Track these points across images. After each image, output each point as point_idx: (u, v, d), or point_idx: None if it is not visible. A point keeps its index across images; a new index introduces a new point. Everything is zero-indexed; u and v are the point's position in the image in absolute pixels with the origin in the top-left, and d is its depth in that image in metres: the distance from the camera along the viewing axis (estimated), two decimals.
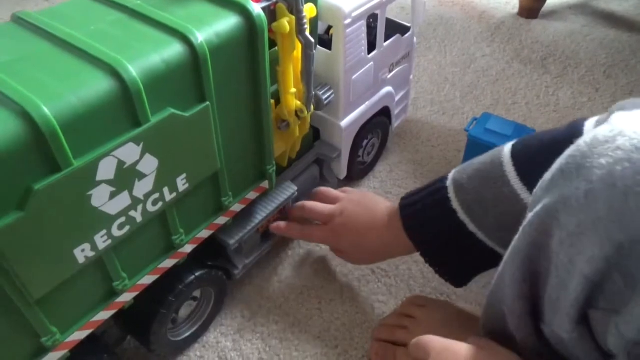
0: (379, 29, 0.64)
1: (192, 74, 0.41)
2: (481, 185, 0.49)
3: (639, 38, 1.11)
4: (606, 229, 0.28)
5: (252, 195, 0.56)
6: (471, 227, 0.50)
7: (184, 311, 0.56)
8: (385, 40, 0.67)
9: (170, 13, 0.42)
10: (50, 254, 0.37)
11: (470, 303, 0.62)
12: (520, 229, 0.36)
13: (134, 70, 0.36)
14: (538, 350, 0.38)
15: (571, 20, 1.17)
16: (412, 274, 0.66)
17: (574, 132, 0.44)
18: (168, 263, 0.49)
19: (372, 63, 0.66)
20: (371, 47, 0.65)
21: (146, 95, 0.37)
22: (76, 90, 0.34)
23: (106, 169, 0.37)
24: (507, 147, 0.49)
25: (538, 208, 0.33)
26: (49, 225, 0.36)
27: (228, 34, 0.42)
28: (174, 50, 0.39)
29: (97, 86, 0.35)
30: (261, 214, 0.58)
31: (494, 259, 0.49)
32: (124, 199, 0.40)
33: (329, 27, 0.68)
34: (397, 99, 0.75)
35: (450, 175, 0.52)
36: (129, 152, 0.38)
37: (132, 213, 0.42)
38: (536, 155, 0.46)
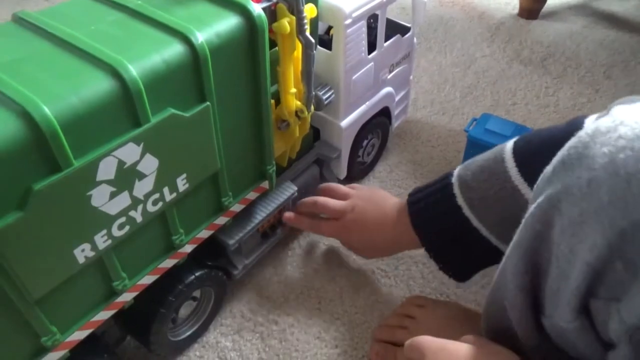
0: (379, 30, 0.64)
1: (192, 74, 0.41)
2: (484, 181, 0.50)
3: (639, 39, 1.11)
4: (608, 215, 0.29)
5: (252, 195, 0.56)
6: (475, 222, 0.51)
7: (183, 311, 0.56)
8: (386, 41, 0.67)
9: (170, 13, 0.42)
10: (50, 254, 0.37)
11: (469, 303, 0.62)
12: (523, 221, 0.36)
13: (134, 70, 0.36)
14: (538, 346, 0.39)
15: (571, 21, 1.17)
16: (412, 274, 0.66)
17: (574, 128, 0.45)
18: (168, 263, 0.49)
19: (372, 63, 0.66)
20: (371, 47, 0.65)
21: (146, 95, 0.37)
22: (76, 90, 0.34)
23: (106, 169, 0.37)
24: (509, 144, 0.50)
25: (540, 199, 0.34)
26: (48, 225, 0.36)
27: (228, 34, 0.42)
28: (174, 50, 0.39)
29: (98, 86, 0.35)
30: (261, 214, 0.58)
31: (497, 255, 0.50)
32: (124, 199, 0.40)
33: (329, 27, 0.68)
34: (397, 99, 0.75)
35: (456, 172, 0.53)
36: (129, 152, 0.38)
37: (132, 213, 0.42)
38: (536, 151, 0.47)
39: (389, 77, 0.71)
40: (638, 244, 0.28)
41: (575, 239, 0.31)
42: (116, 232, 0.41)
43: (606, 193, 0.29)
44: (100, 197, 0.38)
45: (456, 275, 0.56)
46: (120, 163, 0.38)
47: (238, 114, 0.48)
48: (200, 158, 0.46)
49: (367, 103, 0.69)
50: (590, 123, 0.44)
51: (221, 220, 0.53)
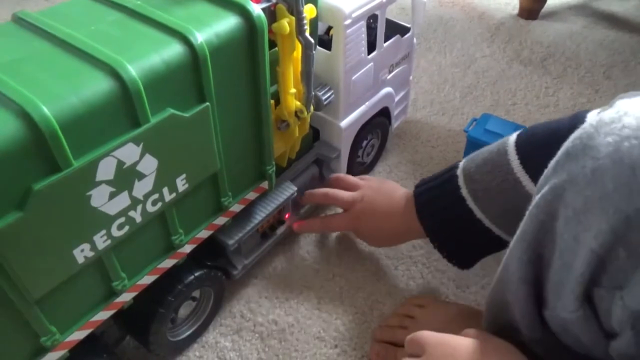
0: (379, 30, 0.64)
1: (192, 74, 0.41)
2: (487, 173, 0.51)
3: (639, 39, 1.11)
4: (613, 203, 0.29)
5: (251, 195, 0.56)
6: (479, 214, 0.52)
7: (183, 311, 0.56)
8: (385, 41, 0.67)
9: (170, 13, 0.42)
10: (50, 254, 0.37)
11: (469, 303, 0.62)
12: (527, 213, 0.36)
13: (133, 70, 0.36)
14: (540, 339, 0.39)
15: (571, 21, 1.17)
16: (412, 275, 0.66)
17: (577, 122, 0.45)
18: (167, 263, 0.49)
19: (372, 64, 0.66)
20: (371, 47, 0.65)
21: (146, 95, 0.37)
22: (76, 90, 0.34)
23: (106, 169, 0.37)
24: (513, 137, 0.50)
25: (544, 190, 0.34)
26: (48, 226, 0.36)
27: (228, 34, 0.42)
28: (173, 50, 0.39)
29: (97, 86, 0.35)
30: (260, 215, 0.58)
31: (499, 245, 0.52)
32: (123, 199, 0.40)
33: (329, 28, 0.68)
34: (396, 99, 0.75)
35: (461, 164, 0.54)
36: (129, 153, 0.38)
37: (131, 213, 0.42)
38: (539, 144, 0.48)
39: (388, 77, 0.71)
40: None
41: (580, 227, 0.31)
42: (116, 232, 0.41)
43: (611, 181, 0.29)
44: (99, 197, 0.38)
45: (460, 263, 0.57)
46: (120, 163, 0.38)
47: (238, 115, 0.48)
48: (199, 158, 0.46)
49: (367, 103, 0.69)
50: (594, 116, 0.45)
51: (221, 220, 0.53)
